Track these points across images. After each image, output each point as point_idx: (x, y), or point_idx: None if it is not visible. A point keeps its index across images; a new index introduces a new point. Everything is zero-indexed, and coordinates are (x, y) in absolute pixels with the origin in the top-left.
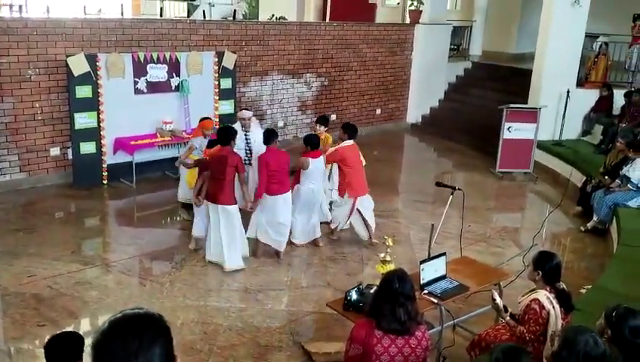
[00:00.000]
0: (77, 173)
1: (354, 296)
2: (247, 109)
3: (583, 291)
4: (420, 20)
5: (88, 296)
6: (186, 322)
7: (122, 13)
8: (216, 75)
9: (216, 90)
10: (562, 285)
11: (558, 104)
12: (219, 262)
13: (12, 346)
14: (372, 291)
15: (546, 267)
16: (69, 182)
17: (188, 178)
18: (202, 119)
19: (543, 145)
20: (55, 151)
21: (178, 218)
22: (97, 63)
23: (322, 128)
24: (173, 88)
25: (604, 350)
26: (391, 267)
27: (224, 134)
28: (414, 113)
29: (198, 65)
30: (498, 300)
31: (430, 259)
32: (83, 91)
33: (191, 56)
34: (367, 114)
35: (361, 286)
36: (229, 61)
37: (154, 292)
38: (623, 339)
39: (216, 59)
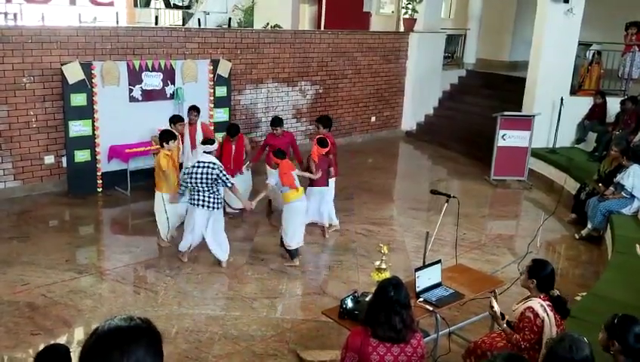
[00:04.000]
0: (71, 181)
1: (349, 303)
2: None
3: (578, 298)
4: (415, 28)
5: (82, 304)
6: (181, 331)
7: (117, 22)
8: (211, 82)
9: (211, 98)
10: (557, 292)
11: (552, 112)
12: None
13: (5, 355)
14: (367, 299)
15: (540, 275)
16: (64, 190)
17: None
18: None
19: (537, 153)
20: (50, 159)
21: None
22: (92, 71)
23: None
24: (168, 96)
25: (584, 355)
26: (386, 275)
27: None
28: (409, 121)
29: (193, 73)
30: (496, 307)
31: (425, 266)
32: (78, 99)
33: (186, 64)
34: (362, 122)
35: (356, 294)
36: (224, 69)
37: (148, 301)
38: (631, 348)
39: (212, 67)
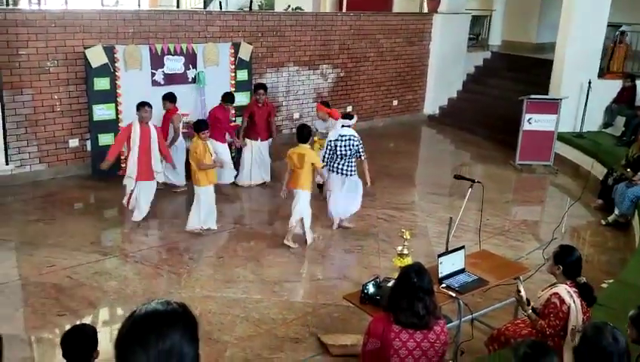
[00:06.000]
0: (95, 165)
1: (371, 289)
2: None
3: (604, 286)
4: (439, 9)
5: (107, 286)
6: (204, 313)
7: (139, 5)
8: (233, 66)
9: (233, 82)
10: (583, 279)
11: (580, 95)
12: None
13: (32, 335)
14: (389, 284)
15: (566, 261)
16: (88, 174)
17: None
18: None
19: (563, 137)
20: (74, 142)
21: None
22: (115, 55)
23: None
24: (189, 80)
25: (624, 346)
26: (408, 260)
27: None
28: (432, 104)
29: (215, 56)
30: (523, 292)
31: (448, 252)
32: (101, 83)
33: (207, 47)
34: (383, 105)
35: (378, 280)
36: (245, 52)
37: (171, 283)
38: None
39: (233, 51)
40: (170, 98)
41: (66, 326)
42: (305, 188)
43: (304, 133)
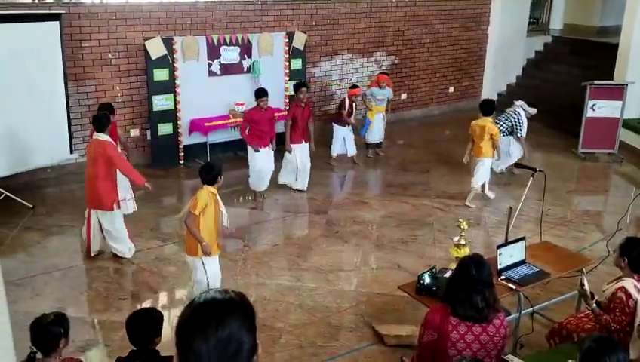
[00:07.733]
0: (155, 154)
1: (427, 279)
2: None
3: None
4: None
5: (167, 271)
6: (259, 299)
7: None
8: (287, 55)
9: (287, 71)
10: None
11: None
12: None
13: (96, 318)
14: (446, 275)
15: (633, 254)
16: (148, 163)
17: None
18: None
19: (629, 124)
20: (135, 132)
21: (250, 197)
22: (173, 46)
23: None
24: (245, 70)
25: None
26: (466, 251)
27: None
28: (489, 91)
29: (269, 46)
30: (587, 286)
31: (508, 243)
32: (160, 74)
33: (262, 37)
34: (439, 92)
35: (434, 270)
36: (299, 41)
37: (227, 270)
38: None
39: (287, 40)
40: (110, 108)
41: (128, 310)
42: (487, 156)
43: (487, 107)
